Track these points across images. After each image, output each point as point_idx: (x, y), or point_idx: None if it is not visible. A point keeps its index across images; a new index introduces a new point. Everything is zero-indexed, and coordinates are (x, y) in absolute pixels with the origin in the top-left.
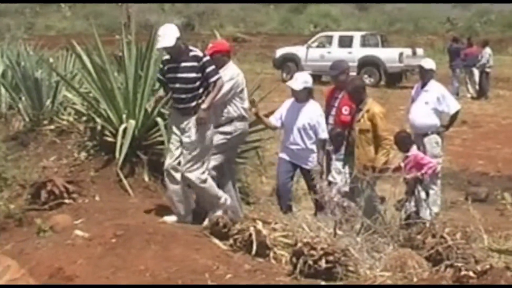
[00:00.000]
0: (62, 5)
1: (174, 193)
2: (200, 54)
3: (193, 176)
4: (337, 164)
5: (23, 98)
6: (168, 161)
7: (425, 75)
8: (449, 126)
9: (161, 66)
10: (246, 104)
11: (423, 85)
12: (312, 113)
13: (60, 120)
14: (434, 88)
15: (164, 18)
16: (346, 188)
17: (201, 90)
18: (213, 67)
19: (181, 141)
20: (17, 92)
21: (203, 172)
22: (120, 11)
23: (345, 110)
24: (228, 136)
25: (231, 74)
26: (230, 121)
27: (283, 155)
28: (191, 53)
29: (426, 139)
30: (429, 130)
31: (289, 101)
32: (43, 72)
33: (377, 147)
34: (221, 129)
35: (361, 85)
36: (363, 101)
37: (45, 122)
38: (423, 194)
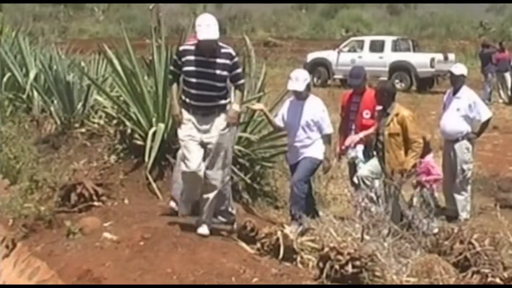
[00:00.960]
0: (96, 9)
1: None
2: (232, 52)
3: (219, 177)
4: (361, 164)
5: (55, 102)
6: (194, 164)
7: (456, 81)
8: (480, 133)
9: (175, 57)
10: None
11: (455, 91)
12: (315, 109)
13: (90, 123)
14: (466, 95)
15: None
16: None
17: (225, 91)
18: (241, 69)
19: (201, 143)
20: (49, 96)
21: (228, 174)
22: (151, 15)
23: (366, 114)
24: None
25: None
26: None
27: (291, 161)
28: (224, 50)
29: (456, 145)
30: (459, 136)
31: (289, 100)
32: (74, 76)
33: (407, 150)
34: None
35: (390, 89)
36: (391, 105)
37: (76, 125)
38: (415, 200)
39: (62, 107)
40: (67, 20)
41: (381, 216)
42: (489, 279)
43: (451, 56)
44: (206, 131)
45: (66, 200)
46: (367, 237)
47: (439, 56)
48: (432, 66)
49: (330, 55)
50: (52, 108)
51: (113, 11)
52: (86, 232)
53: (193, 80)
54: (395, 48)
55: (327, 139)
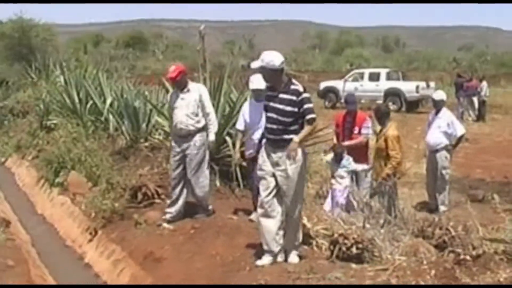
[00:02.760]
0: (156, 51)
1: (267, 230)
2: (300, 89)
3: (298, 212)
4: (340, 172)
5: (125, 122)
6: (264, 195)
7: (437, 105)
8: (456, 145)
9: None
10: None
11: (437, 112)
12: None
13: (152, 139)
14: (445, 115)
15: (233, 59)
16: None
17: (296, 126)
18: (311, 105)
19: (273, 174)
20: (121, 118)
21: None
22: (198, 55)
23: (356, 130)
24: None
25: (197, 87)
26: (198, 130)
27: (252, 154)
28: (293, 87)
29: (437, 155)
30: (440, 147)
31: (247, 105)
32: (140, 102)
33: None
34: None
35: (385, 110)
36: (386, 125)
37: (142, 140)
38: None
39: (130, 126)
40: (135, 60)
41: (379, 209)
42: (461, 256)
43: (432, 84)
44: (276, 164)
45: (134, 198)
46: (367, 226)
47: (422, 84)
48: (417, 92)
49: (338, 84)
50: (123, 127)
51: (169, 52)
52: (149, 223)
53: (266, 114)
54: (389, 78)
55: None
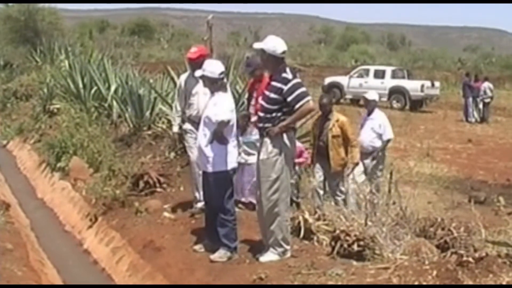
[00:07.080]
0: (162, 39)
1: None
2: (289, 76)
3: (272, 203)
4: (245, 147)
5: (129, 109)
6: None
7: (369, 105)
8: (383, 148)
9: None
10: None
11: (369, 113)
12: (210, 104)
13: (155, 127)
14: (378, 116)
15: (238, 50)
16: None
17: (279, 114)
18: (303, 89)
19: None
20: (125, 105)
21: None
22: (205, 44)
23: (261, 99)
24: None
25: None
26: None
27: (201, 167)
28: (283, 74)
29: (371, 156)
30: (373, 149)
31: None
32: (144, 90)
33: (346, 148)
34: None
35: (328, 100)
36: (331, 112)
37: (145, 128)
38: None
39: (134, 114)
40: (139, 47)
41: (382, 207)
42: (464, 258)
43: (437, 84)
44: (258, 153)
45: (135, 186)
46: (369, 223)
47: (427, 83)
48: (422, 91)
49: (342, 79)
50: (126, 115)
51: (175, 41)
52: (150, 211)
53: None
54: (394, 76)
55: (217, 128)
